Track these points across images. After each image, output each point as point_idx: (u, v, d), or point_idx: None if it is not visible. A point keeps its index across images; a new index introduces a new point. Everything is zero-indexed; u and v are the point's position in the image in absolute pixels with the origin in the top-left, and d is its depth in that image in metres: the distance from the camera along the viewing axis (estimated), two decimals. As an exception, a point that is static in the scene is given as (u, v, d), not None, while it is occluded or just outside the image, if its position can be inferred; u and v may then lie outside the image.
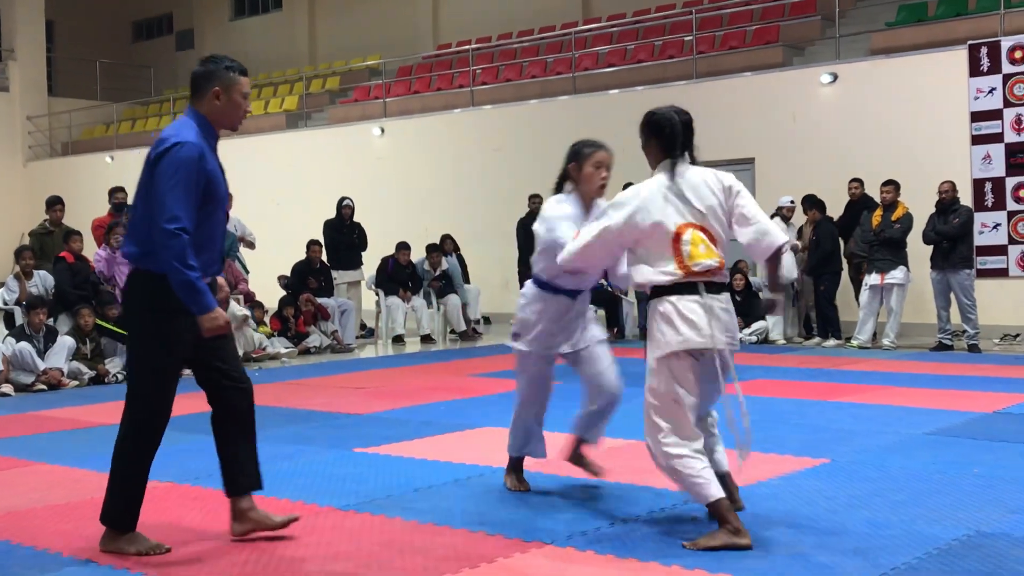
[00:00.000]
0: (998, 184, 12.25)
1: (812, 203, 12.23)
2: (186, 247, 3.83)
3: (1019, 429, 6.33)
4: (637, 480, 5.17)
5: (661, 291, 4.10)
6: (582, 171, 4.84)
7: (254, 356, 11.41)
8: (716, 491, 4.00)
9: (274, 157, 19.30)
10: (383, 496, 4.93)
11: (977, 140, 12.32)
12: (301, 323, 12.47)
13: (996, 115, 12.28)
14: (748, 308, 12.69)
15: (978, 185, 12.33)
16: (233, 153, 19.90)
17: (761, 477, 5.18)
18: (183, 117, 4.10)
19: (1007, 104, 12.29)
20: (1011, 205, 12.18)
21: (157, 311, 3.96)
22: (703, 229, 4.09)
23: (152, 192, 3.91)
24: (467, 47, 19.20)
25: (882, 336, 11.52)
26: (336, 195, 14.40)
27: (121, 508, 4.05)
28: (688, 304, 4.04)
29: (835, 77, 13.53)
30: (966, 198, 12.01)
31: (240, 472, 4.21)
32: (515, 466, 5.13)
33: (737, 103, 14.33)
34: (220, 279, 4.35)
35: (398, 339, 13.54)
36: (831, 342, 11.88)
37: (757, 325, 12.58)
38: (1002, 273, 12.14)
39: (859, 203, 12.11)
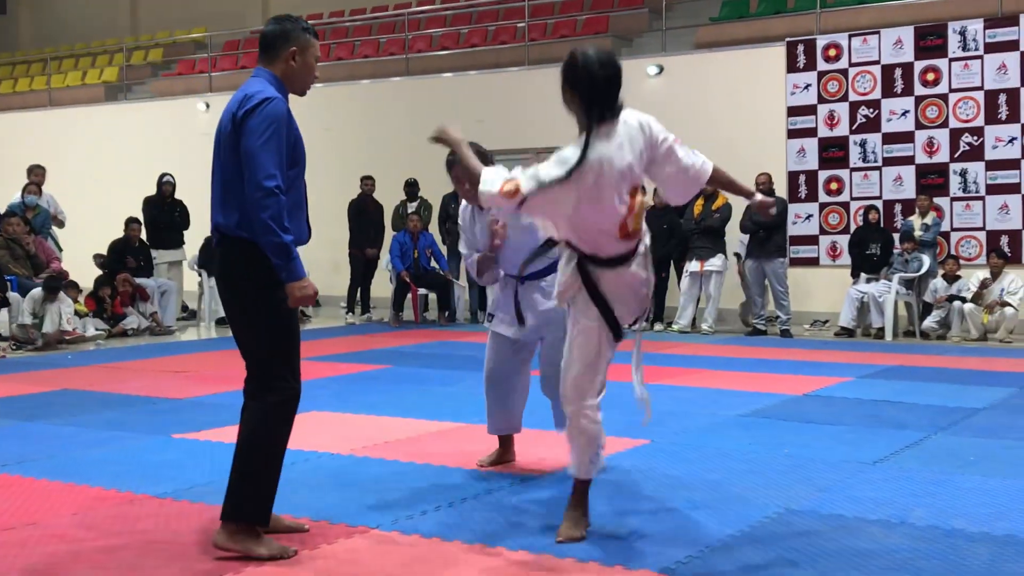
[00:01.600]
0: (811, 177, 12.84)
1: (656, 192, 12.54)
2: (283, 207, 3.57)
3: (827, 411, 6.65)
4: (464, 463, 5.17)
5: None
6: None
7: (67, 338, 10.89)
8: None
9: (91, 130, 18.45)
10: (203, 483, 4.79)
11: (793, 134, 12.87)
12: (118, 304, 11.97)
13: (811, 110, 12.85)
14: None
15: (793, 177, 12.89)
16: (47, 126, 19.04)
17: (585, 459, 5.27)
18: (256, 78, 3.79)
19: (821, 100, 12.87)
20: (823, 197, 12.78)
21: (269, 282, 3.64)
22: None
23: (243, 151, 3.61)
24: (297, 24, 18.77)
25: (701, 321, 11.93)
26: (157, 171, 13.89)
27: (261, 503, 3.72)
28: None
29: (661, 69, 13.87)
30: (781, 190, 12.55)
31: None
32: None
33: (567, 91, 14.49)
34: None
35: (221, 321, 13.17)
36: (658, 326, 12.22)
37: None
38: (813, 262, 12.74)
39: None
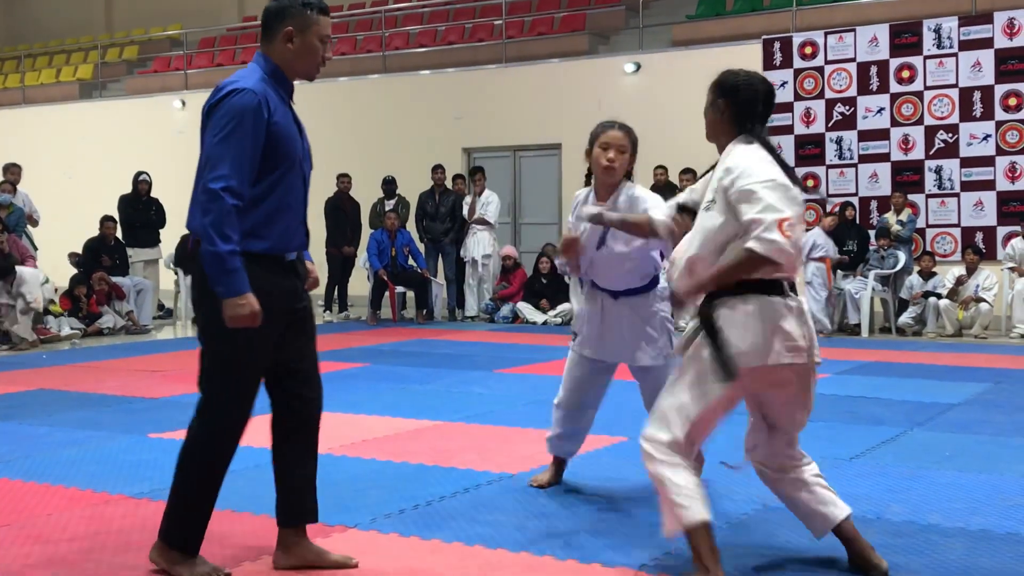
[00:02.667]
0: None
1: None
2: (228, 213, 3.20)
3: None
4: (442, 461, 5.16)
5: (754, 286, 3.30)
6: (592, 154, 4.38)
7: (41, 338, 10.80)
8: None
9: (66, 128, 18.32)
10: (179, 483, 4.75)
11: (769, 131, 12.89)
12: (94, 303, 11.89)
13: (787, 108, 12.91)
14: (554, 290, 12.93)
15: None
16: (21, 124, 18.87)
17: (563, 456, 5.28)
18: (250, 64, 3.46)
19: (797, 98, 12.93)
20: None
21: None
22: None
23: (201, 148, 3.32)
24: (274, 21, 18.70)
25: (678, 318, 11.94)
26: (133, 169, 13.81)
27: (187, 530, 3.47)
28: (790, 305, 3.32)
29: (638, 66, 13.90)
30: (758, 187, 12.59)
31: (299, 500, 3.57)
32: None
33: (545, 89, 14.54)
34: (310, 264, 3.65)
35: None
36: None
37: (562, 307, 12.82)
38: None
39: (663, 189, 12.49)
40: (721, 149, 3.49)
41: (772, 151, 3.41)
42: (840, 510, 3.48)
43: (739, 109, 3.45)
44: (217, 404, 3.43)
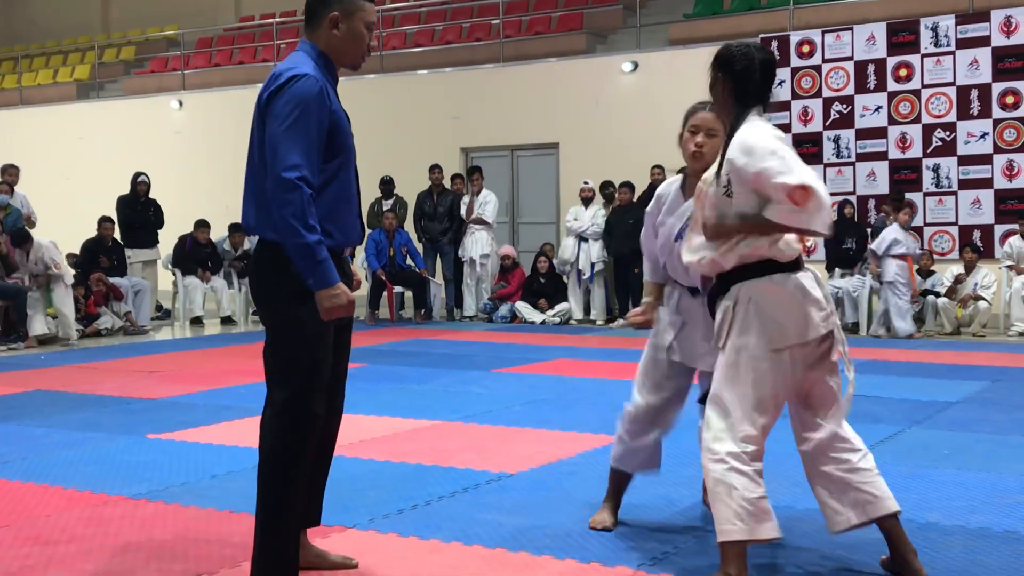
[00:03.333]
0: (785, 173, 12.88)
1: (625, 187, 12.57)
2: (307, 202, 3.08)
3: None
4: (440, 461, 5.16)
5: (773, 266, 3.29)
6: (682, 139, 3.95)
7: (39, 337, 10.80)
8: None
9: (64, 129, 18.31)
10: (178, 484, 4.76)
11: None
12: (92, 304, 11.88)
13: (785, 107, 12.91)
14: (552, 290, 12.93)
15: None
16: (18, 124, 18.85)
17: (562, 455, 5.28)
18: (296, 51, 3.35)
19: (795, 96, 12.94)
20: (797, 193, 12.83)
21: (298, 291, 3.16)
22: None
23: (267, 137, 3.17)
24: (271, 20, 18.73)
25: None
26: (131, 170, 13.80)
27: (290, 549, 3.25)
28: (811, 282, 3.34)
29: (636, 65, 13.90)
30: (756, 186, 12.59)
31: (311, 503, 3.48)
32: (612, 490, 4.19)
33: (543, 88, 14.54)
34: (354, 266, 3.63)
35: (196, 321, 13.11)
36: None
37: (560, 307, 12.82)
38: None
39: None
40: (725, 127, 3.42)
41: None
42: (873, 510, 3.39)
43: (736, 82, 3.35)
44: (302, 403, 3.21)
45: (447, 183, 13.71)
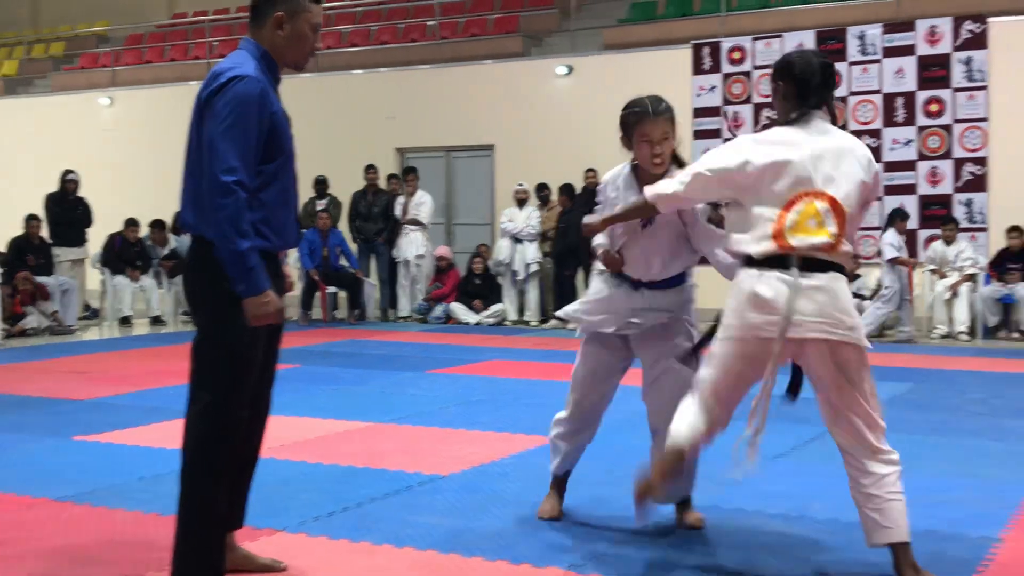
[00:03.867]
0: (717, 177, 13.05)
1: (563, 191, 12.64)
2: (242, 206, 3.06)
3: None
4: (373, 463, 5.16)
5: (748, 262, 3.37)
6: (633, 146, 3.91)
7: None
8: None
9: (-11, 125, 17.90)
10: (105, 487, 4.69)
11: (698, 135, 13.07)
12: (18, 303, 11.63)
13: (716, 112, 13.09)
14: (487, 291, 12.96)
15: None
16: (-60, 118, 18.37)
17: (495, 456, 5.31)
18: (238, 50, 3.31)
19: (726, 102, 13.11)
20: (728, 197, 13.01)
21: (230, 293, 3.13)
22: (834, 203, 3.29)
23: (204, 138, 3.14)
24: (204, 17, 18.50)
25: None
26: (59, 167, 13.54)
27: (216, 551, 3.25)
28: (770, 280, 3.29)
29: (570, 69, 13.98)
30: (689, 189, 12.73)
31: (234, 506, 3.45)
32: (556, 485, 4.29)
33: (479, 90, 14.56)
34: (286, 268, 3.51)
35: (125, 320, 12.90)
36: (572, 325, 12.30)
37: (495, 308, 12.86)
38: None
39: (593, 192, 12.57)
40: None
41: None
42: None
43: (785, 93, 3.47)
44: (226, 405, 3.21)
45: (382, 183, 13.67)
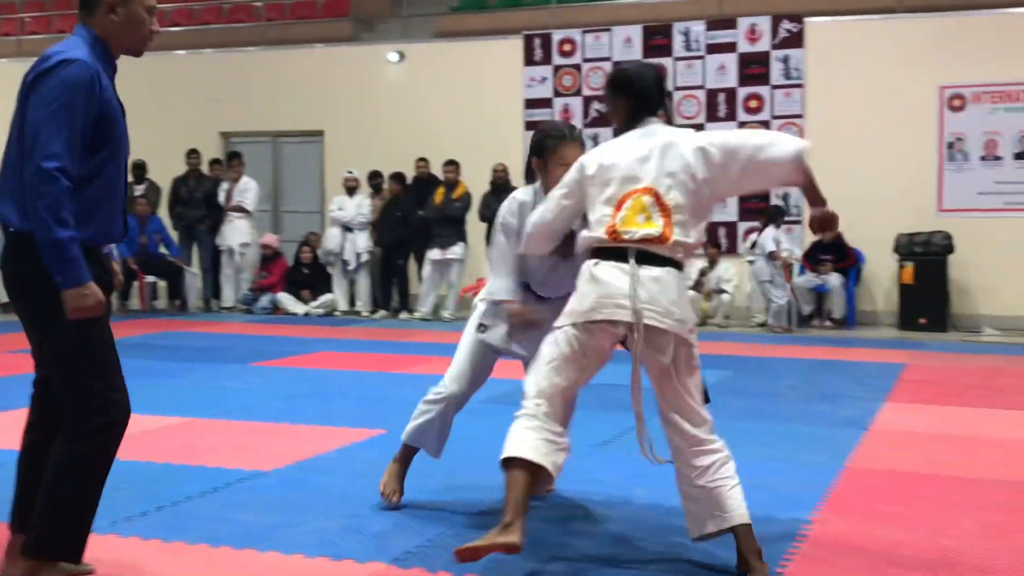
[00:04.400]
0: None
1: (394, 179, 12.50)
2: (63, 195, 2.94)
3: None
4: (190, 460, 4.97)
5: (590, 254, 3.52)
6: (547, 171, 4.00)
7: None
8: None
9: None
10: None
11: (530, 126, 13.15)
12: None
13: (547, 103, 13.20)
14: (316, 280, 12.74)
15: (530, 169, 13.19)
16: None
17: (319, 451, 5.20)
18: (71, 37, 3.17)
19: (557, 94, 13.25)
20: (558, 188, 13.16)
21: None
22: (658, 198, 3.42)
23: (27, 124, 3.01)
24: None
25: (443, 308, 12.03)
26: None
27: (80, 533, 3.21)
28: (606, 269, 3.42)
29: (402, 56, 13.86)
30: (519, 180, 12.82)
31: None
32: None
33: (307, 74, 14.27)
34: (115, 263, 3.36)
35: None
36: (404, 315, 12.24)
37: (324, 298, 12.65)
38: (549, 250, 13.11)
39: (425, 181, 12.53)
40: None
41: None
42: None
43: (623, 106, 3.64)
44: (96, 392, 3.16)
45: (205, 169, 13.25)
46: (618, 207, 3.44)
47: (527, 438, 3.38)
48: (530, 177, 4.21)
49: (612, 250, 3.42)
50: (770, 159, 3.45)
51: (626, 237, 3.39)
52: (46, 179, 2.94)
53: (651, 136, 3.51)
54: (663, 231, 3.38)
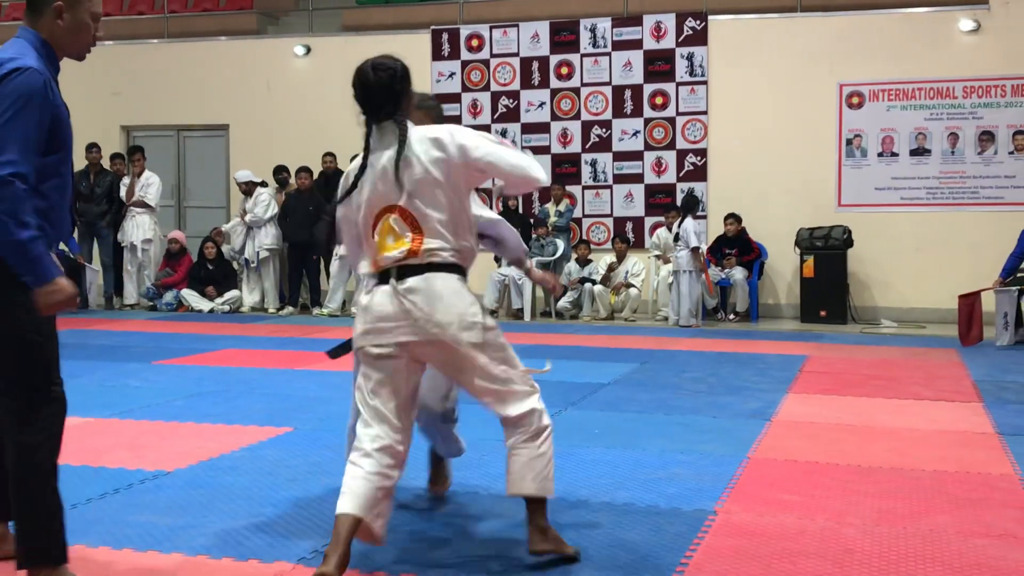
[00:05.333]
0: (456, 163, 13.17)
1: (303, 172, 12.35)
2: (21, 198, 3.00)
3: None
4: (90, 461, 4.85)
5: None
6: None
7: None
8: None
9: None
10: None
11: (438, 121, 13.11)
12: None
13: (456, 98, 13.19)
14: (221, 277, 12.54)
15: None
16: None
17: (224, 450, 5.12)
18: (16, 39, 3.20)
19: (465, 89, 13.25)
20: (467, 183, 13.16)
21: (13, 283, 3.09)
22: (403, 212, 3.37)
23: None
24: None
25: (351, 304, 11.94)
26: None
27: (58, 539, 3.22)
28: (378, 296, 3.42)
29: (308, 49, 13.71)
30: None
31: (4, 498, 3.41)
32: None
33: (212, 68, 14.03)
34: (54, 256, 3.30)
35: None
36: (316, 311, 12.13)
37: (229, 295, 12.46)
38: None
39: (331, 176, 12.42)
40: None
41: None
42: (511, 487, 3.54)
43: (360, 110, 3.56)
44: (48, 397, 3.26)
45: (106, 163, 12.94)
46: (372, 232, 3.40)
47: (356, 489, 3.28)
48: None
49: (381, 274, 3.41)
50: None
51: (383, 264, 3.39)
52: (2, 184, 2.99)
53: (388, 148, 3.39)
54: (414, 244, 3.35)
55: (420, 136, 3.43)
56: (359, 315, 3.43)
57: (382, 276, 3.41)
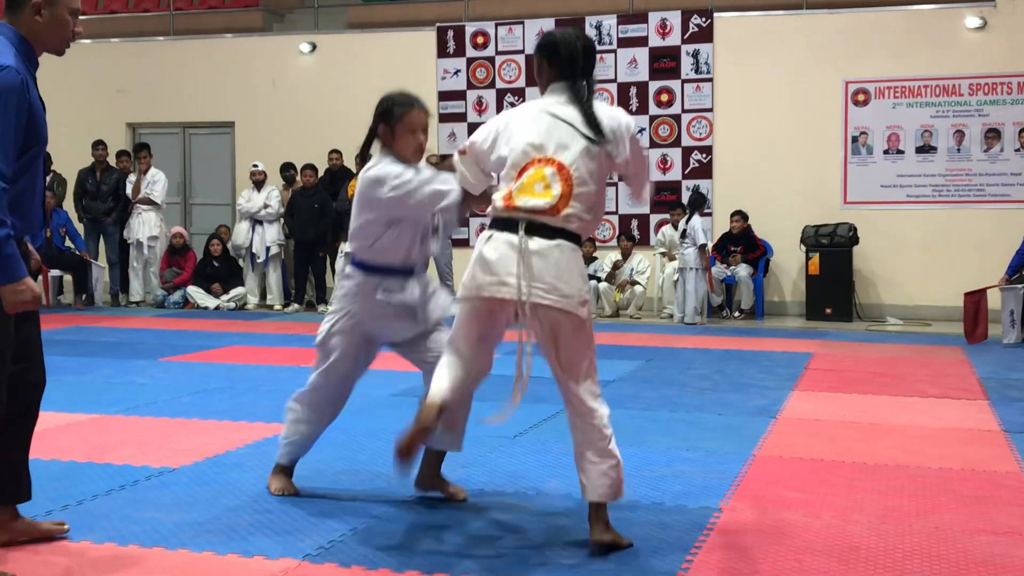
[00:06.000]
0: (461, 160, 13.17)
1: (308, 170, 12.36)
2: (1, 197, 3.06)
3: (472, 388, 6.85)
4: (96, 457, 4.86)
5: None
6: (394, 137, 4.02)
7: None
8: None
9: None
10: None
11: (444, 118, 13.14)
12: None
13: (461, 96, 13.19)
14: (226, 274, 12.56)
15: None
16: None
17: (229, 446, 5.13)
18: None
19: (470, 86, 13.24)
20: (472, 180, 13.15)
21: None
22: (562, 169, 3.43)
23: None
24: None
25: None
26: None
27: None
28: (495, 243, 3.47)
29: (314, 47, 13.72)
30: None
31: (14, 479, 3.53)
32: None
33: (217, 65, 14.05)
34: (31, 247, 3.43)
35: None
36: (321, 307, 12.14)
37: (235, 291, 12.49)
38: (464, 243, 13.05)
39: (337, 173, 12.43)
40: None
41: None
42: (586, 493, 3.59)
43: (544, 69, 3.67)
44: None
45: (112, 160, 12.96)
46: (520, 173, 3.47)
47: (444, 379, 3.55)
48: (365, 154, 4.24)
49: (506, 221, 3.45)
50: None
51: (518, 204, 3.41)
52: None
53: (566, 105, 3.52)
54: (558, 203, 3.40)
55: (602, 108, 3.56)
56: (475, 264, 3.48)
57: (507, 223, 3.45)
